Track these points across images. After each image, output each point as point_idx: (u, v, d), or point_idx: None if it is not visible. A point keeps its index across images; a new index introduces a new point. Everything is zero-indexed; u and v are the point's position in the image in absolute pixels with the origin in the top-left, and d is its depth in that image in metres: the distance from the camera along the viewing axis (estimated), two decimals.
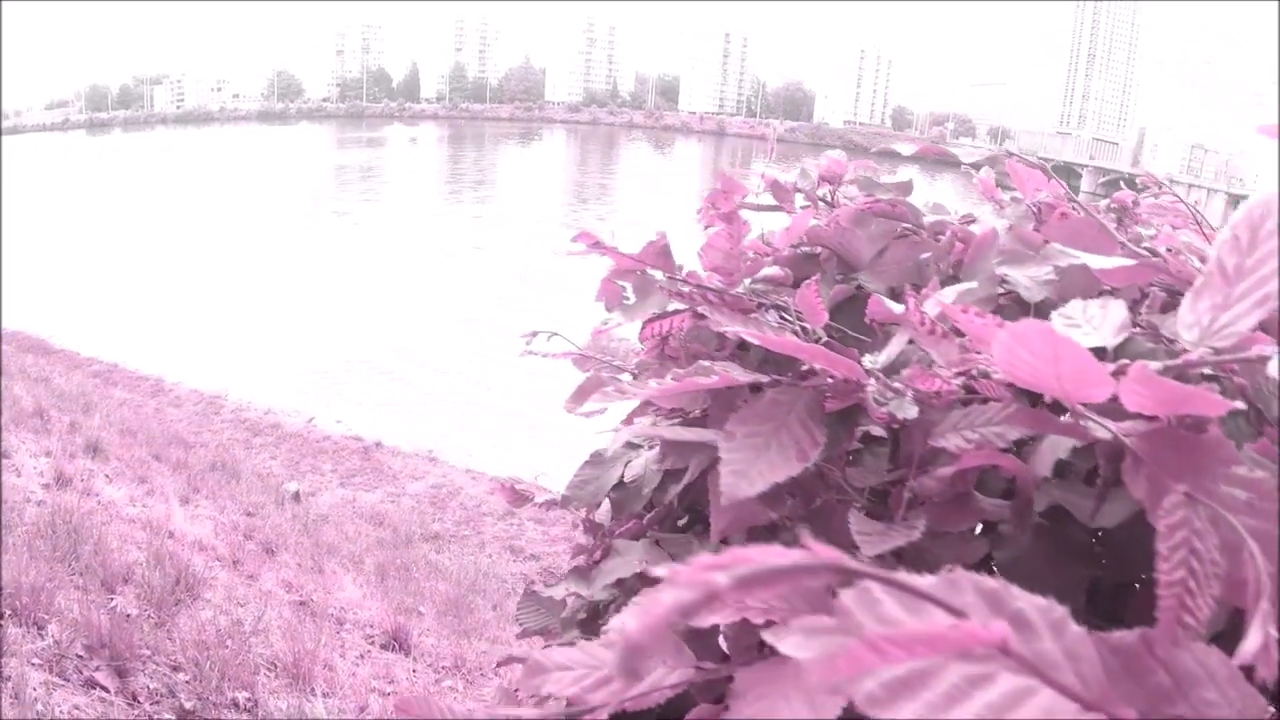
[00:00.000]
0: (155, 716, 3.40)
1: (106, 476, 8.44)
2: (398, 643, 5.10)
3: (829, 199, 1.30)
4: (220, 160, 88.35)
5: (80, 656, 3.53)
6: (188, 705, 3.38)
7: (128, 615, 4.16)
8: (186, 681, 3.61)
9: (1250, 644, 0.45)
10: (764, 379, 0.80)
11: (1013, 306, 0.95)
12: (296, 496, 10.06)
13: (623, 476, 1.11)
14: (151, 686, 3.49)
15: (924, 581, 0.42)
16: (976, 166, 1.35)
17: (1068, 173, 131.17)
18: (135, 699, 3.42)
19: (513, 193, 53.21)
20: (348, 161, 77.53)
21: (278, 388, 15.71)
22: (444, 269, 30.26)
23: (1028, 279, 0.95)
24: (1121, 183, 1.63)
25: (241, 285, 26.57)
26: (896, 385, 0.78)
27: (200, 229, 38.38)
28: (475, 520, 10.37)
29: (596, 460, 1.16)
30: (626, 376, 1.13)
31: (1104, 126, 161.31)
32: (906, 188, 1.22)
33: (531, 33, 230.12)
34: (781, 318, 0.96)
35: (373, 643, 5.04)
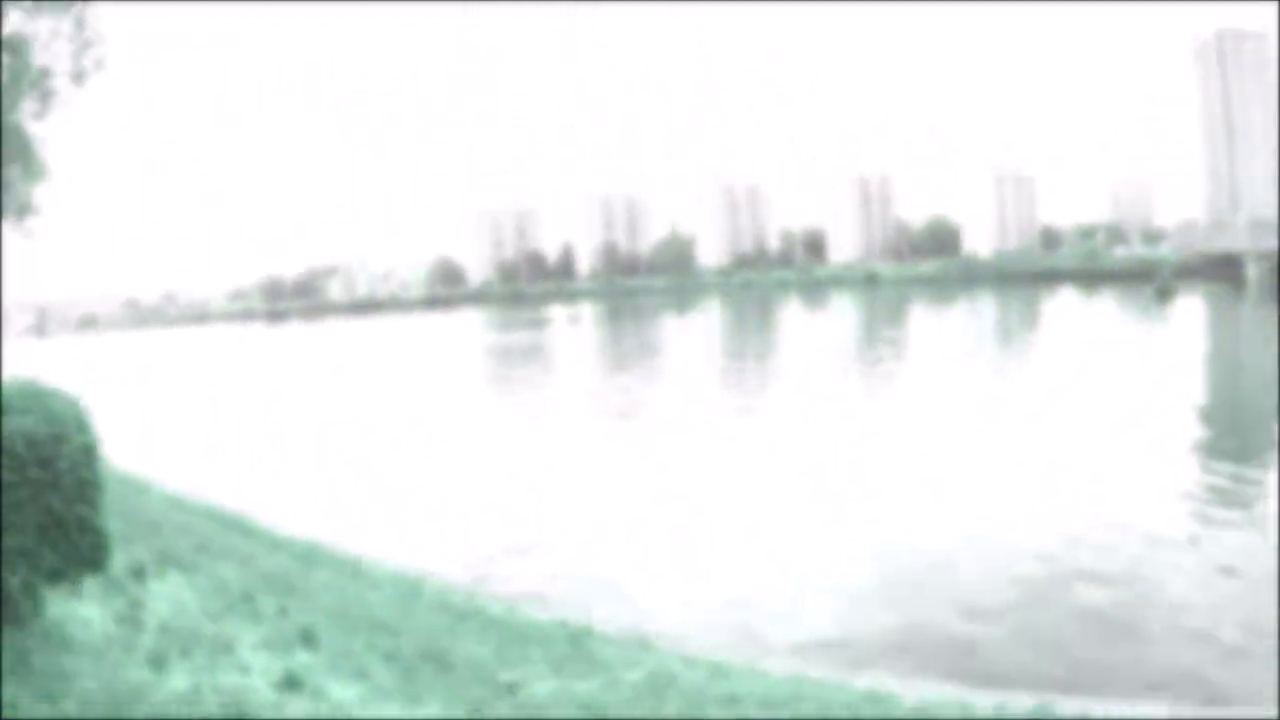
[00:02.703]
0: None
1: (328, 673, 8.16)
2: None
3: None
4: (390, 346, 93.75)
5: None
6: None
7: None
8: None
9: None
10: None
11: None
12: (511, 689, 9.53)
13: None
14: None
15: None
16: None
17: (1230, 263, 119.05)
18: None
19: (670, 371, 53.73)
20: (513, 344, 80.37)
21: (475, 566, 15.50)
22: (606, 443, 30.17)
23: None
24: None
25: (428, 465, 27.16)
26: None
27: (381, 414, 40.06)
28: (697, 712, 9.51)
29: None
30: None
31: (1261, 204, 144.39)
32: None
33: (676, 202, 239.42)
34: None
35: None
